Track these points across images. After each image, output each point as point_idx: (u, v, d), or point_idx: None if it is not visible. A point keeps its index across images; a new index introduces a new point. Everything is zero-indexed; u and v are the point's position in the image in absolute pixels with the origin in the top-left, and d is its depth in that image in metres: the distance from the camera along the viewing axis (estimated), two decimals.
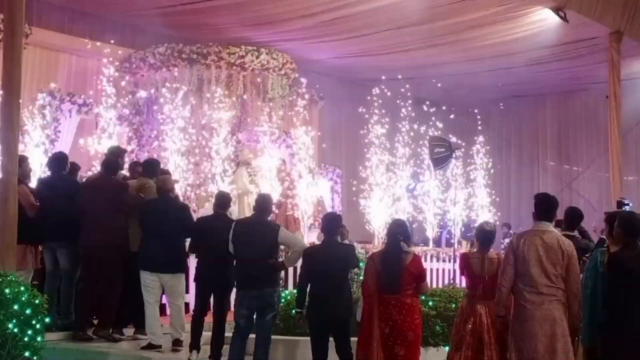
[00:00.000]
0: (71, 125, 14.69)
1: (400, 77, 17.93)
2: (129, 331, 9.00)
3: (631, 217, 7.00)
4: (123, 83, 14.70)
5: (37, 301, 6.29)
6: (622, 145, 17.12)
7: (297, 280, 11.44)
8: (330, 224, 8.12)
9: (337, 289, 7.76)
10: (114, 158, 9.28)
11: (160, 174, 9.60)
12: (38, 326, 6.24)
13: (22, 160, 9.18)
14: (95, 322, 8.85)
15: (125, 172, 10.07)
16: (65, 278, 8.78)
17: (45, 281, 8.83)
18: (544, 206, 7.28)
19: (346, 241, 9.00)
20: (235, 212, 12.65)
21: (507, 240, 14.79)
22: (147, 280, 8.59)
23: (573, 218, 8.80)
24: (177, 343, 8.58)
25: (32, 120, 13.51)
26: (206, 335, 8.79)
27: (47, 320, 6.50)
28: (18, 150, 8.33)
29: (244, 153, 15.13)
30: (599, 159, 20.49)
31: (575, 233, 8.79)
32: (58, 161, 9.24)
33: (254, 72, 15.94)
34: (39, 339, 6.23)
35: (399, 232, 7.72)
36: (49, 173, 9.60)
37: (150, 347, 8.36)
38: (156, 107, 14.96)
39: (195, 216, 10.40)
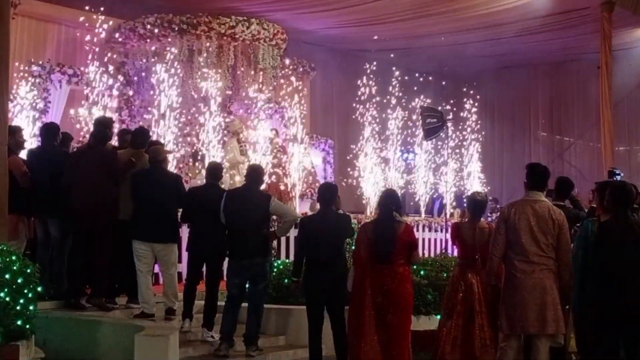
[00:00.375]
0: (61, 96, 14.63)
1: (391, 47, 17.87)
2: (121, 300, 9.01)
3: (622, 187, 7.03)
4: (113, 55, 14.58)
5: (28, 270, 6.28)
6: (613, 115, 17.13)
7: (293, 249, 11.54)
8: (327, 193, 8.13)
9: (333, 258, 7.79)
10: (101, 128, 9.20)
11: (150, 144, 9.57)
12: (30, 295, 6.22)
13: (17, 130, 9.15)
14: (88, 291, 8.85)
15: (115, 142, 10.01)
16: (56, 247, 8.77)
17: (37, 251, 8.81)
18: (536, 176, 7.31)
19: (340, 211, 9.00)
20: (226, 182, 12.66)
21: (495, 215, 14.87)
22: (140, 250, 8.59)
23: (563, 188, 8.82)
24: (170, 312, 8.61)
25: (21, 90, 13.40)
26: (199, 304, 8.83)
27: (39, 289, 6.50)
28: (8, 121, 8.27)
29: (234, 124, 15.08)
30: (591, 129, 20.50)
31: (566, 203, 8.82)
32: (49, 131, 9.18)
33: (244, 42, 15.84)
34: (31, 307, 6.22)
35: (390, 202, 7.74)
36: (39, 144, 9.55)
37: (143, 315, 8.38)
38: (146, 77, 14.90)
39: (186, 187, 10.37)
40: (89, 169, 8.63)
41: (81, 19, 14.17)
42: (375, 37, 18.78)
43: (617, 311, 6.45)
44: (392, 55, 16.82)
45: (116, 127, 11.60)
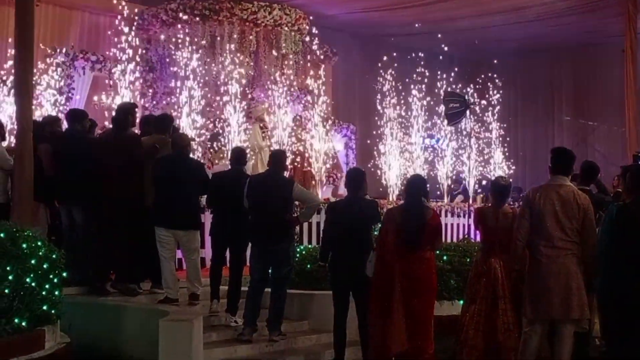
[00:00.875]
0: (85, 82, 14.70)
1: (412, 32, 17.75)
2: (146, 286, 9.06)
3: None
4: (136, 40, 14.61)
5: (54, 256, 6.34)
6: (637, 99, 16.95)
7: (316, 235, 11.56)
8: (355, 179, 8.11)
9: (360, 244, 7.79)
10: (122, 115, 9.23)
11: (174, 131, 9.60)
12: (55, 280, 6.30)
13: (55, 121, 9.29)
14: (112, 277, 8.91)
15: (136, 129, 10.02)
16: (81, 233, 8.82)
17: (63, 237, 8.88)
18: (561, 160, 7.26)
19: (367, 197, 8.99)
20: (249, 167, 12.68)
21: (517, 204, 14.78)
22: (162, 236, 8.62)
23: (589, 172, 8.76)
24: (193, 297, 8.65)
25: (45, 77, 13.49)
26: (222, 289, 8.87)
27: (64, 274, 6.56)
28: (32, 108, 8.34)
29: (257, 109, 15.08)
30: (615, 113, 20.30)
31: (592, 187, 8.76)
32: (75, 117, 9.21)
33: (266, 28, 15.83)
34: (56, 293, 6.30)
35: (419, 188, 7.71)
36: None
37: (167, 300, 8.43)
38: (169, 63, 14.92)
39: (209, 172, 10.40)
40: (113, 156, 8.68)
41: (105, 7, 14.22)
42: (397, 22, 18.70)
43: (637, 295, 6.43)
44: (415, 41, 16.71)
45: (139, 114, 11.64)
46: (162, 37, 15.38)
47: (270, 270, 8.36)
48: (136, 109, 9.81)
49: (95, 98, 13.91)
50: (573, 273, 6.92)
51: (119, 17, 13.80)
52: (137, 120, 9.73)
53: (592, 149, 21.47)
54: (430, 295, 7.57)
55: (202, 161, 11.71)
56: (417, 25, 18.27)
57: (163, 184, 8.62)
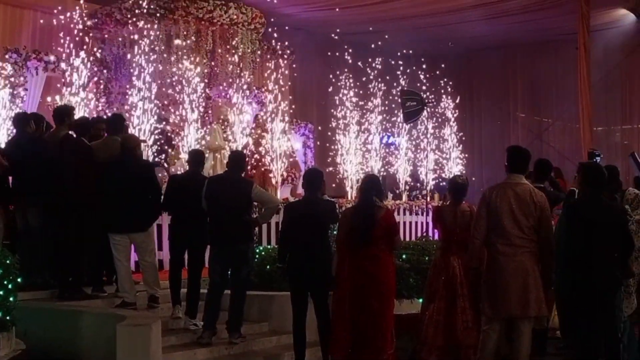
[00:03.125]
0: (37, 83, 14.47)
1: (367, 30, 17.75)
2: (111, 289, 8.96)
3: (593, 168, 7.12)
4: (89, 40, 14.42)
5: (8, 261, 6.23)
6: (591, 96, 17.18)
7: (275, 236, 11.52)
8: (312, 179, 8.10)
9: (317, 244, 7.78)
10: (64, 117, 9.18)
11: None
12: (10, 286, 6.19)
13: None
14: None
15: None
16: (35, 236, 8.67)
17: (18, 240, 8.73)
18: (516, 159, 7.32)
19: (325, 197, 8.98)
20: (207, 169, 12.60)
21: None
22: (116, 240, 8.55)
23: (542, 169, 8.85)
24: (153, 299, 8.56)
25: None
26: (182, 292, 8.78)
27: (19, 280, 6.44)
28: None
29: (221, 110, 14.99)
30: (569, 110, 20.55)
31: (546, 184, 8.84)
32: (20, 121, 9.11)
33: (222, 26, 15.72)
34: (11, 299, 6.19)
35: (371, 187, 7.75)
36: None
37: (124, 305, 8.34)
38: (123, 63, 14.75)
39: (163, 173, 10.32)
40: (67, 157, 8.59)
41: (57, 6, 14.01)
42: (353, 20, 18.71)
43: (586, 293, 6.54)
44: (371, 40, 16.75)
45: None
46: (117, 36, 15.19)
47: (229, 272, 8.31)
48: (73, 110, 9.77)
49: (49, 99, 13.70)
50: (530, 270, 6.98)
51: (72, 16, 13.60)
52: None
53: (547, 146, 21.72)
54: (387, 296, 7.58)
55: (157, 160, 11.61)
56: (372, 24, 18.31)
57: (112, 188, 8.52)
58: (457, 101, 18.57)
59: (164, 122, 14.07)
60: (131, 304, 8.38)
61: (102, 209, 8.59)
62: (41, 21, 15.22)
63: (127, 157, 8.66)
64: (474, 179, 17.37)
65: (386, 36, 18.35)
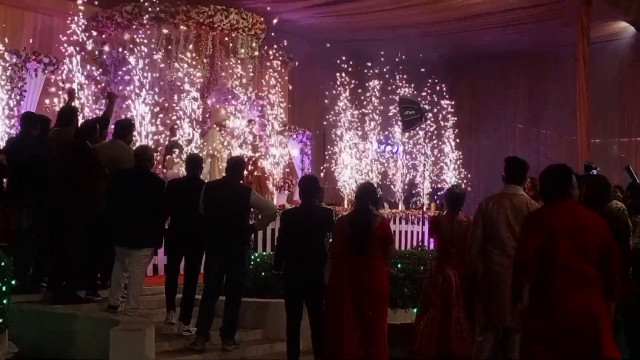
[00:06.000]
0: (37, 85, 14.48)
1: (369, 38, 17.79)
2: (105, 293, 8.92)
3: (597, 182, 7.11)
4: (89, 42, 14.43)
5: (2, 263, 6.22)
6: (589, 108, 17.19)
7: (271, 242, 11.49)
8: (308, 187, 8.07)
9: (314, 252, 7.75)
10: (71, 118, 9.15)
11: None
12: (4, 289, 6.17)
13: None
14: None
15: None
16: (27, 237, 8.62)
17: (13, 242, 8.68)
18: (514, 170, 7.32)
19: (322, 204, 8.95)
20: (204, 173, 12.57)
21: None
22: (116, 249, 8.49)
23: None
24: (112, 308, 8.37)
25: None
26: (176, 298, 8.75)
27: (12, 282, 6.42)
28: None
29: (219, 114, 14.98)
30: (567, 121, 20.57)
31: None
32: (28, 121, 9.04)
33: (223, 32, 15.74)
34: (4, 301, 6.17)
35: (367, 195, 7.74)
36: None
37: (109, 308, 8.30)
38: (123, 66, 14.76)
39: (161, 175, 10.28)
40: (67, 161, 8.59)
41: (58, 8, 14.03)
42: (354, 28, 18.77)
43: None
44: (372, 47, 16.81)
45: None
46: (117, 39, 15.20)
47: (224, 278, 8.29)
48: (77, 111, 9.78)
49: (47, 101, 13.70)
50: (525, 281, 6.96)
51: (73, 18, 13.62)
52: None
53: (544, 157, 21.73)
54: (381, 304, 7.55)
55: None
56: (371, 32, 18.34)
57: (120, 200, 8.41)
58: (456, 111, 18.58)
59: (163, 127, 14.02)
60: (114, 307, 8.31)
61: (107, 218, 8.51)
62: (41, 23, 15.25)
63: (141, 169, 8.53)
64: (469, 189, 17.36)
65: (392, 43, 18.37)
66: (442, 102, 18.21)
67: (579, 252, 5.38)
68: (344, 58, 16.34)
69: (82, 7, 13.87)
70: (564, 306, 5.33)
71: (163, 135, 13.92)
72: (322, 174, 15.64)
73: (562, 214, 5.54)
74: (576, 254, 5.38)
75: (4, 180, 8.77)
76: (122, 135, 9.23)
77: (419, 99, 16.65)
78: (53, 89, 13.46)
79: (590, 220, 5.57)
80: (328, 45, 18.33)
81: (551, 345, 5.35)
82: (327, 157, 16.38)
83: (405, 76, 17.39)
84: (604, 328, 5.33)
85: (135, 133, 12.53)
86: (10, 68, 13.67)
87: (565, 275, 5.37)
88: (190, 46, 15.12)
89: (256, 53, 16.24)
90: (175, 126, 14.10)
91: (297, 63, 18.61)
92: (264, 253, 10.98)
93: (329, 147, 16.22)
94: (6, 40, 13.54)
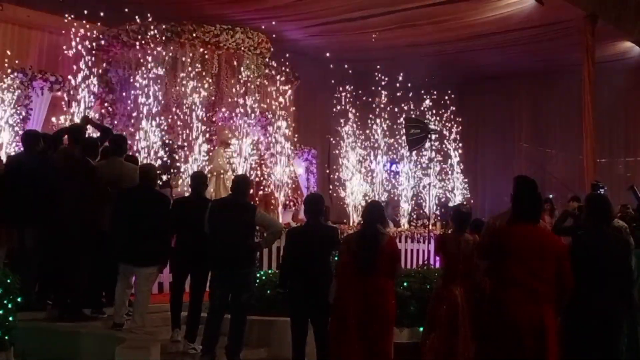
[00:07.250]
0: (43, 103, 14.52)
1: (374, 57, 17.82)
2: (110, 311, 8.89)
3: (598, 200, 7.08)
4: (96, 62, 14.50)
5: (8, 280, 6.20)
6: (595, 128, 17.20)
7: (276, 260, 11.46)
8: (314, 205, 8.05)
9: (319, 270, 7.72)
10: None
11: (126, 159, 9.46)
12: (10, 306, 6.15)
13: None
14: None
15: None
16: (31, 257, 8.59)
17: (16, 261, 8.65)
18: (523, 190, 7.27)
19: (328, 222, 8.92)
20: (210, 192, 12.58)
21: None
22: (120, 267, 8.47)
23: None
24: (117, 326, 8.31)
25: (3, 98, 13.32)
26: (181, 315, 8.73)
27: (18, 300, 6.40)
28: None
29: (224, 133, 14.99)
30: (573, 140, 20.58)
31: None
32: (29, 139, 9.03)
33: (228, 51, 15.80)
34: (10, 318, 6.15)
35: (374, 214, 7.71)
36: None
37: (115, 325, 8.27)
38: (129, 85, 14.81)
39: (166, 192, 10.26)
40: (70, 179, 8.57)
41: (65, 27, 14.09)
42: (359, 47, 18.82)
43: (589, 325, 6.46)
44: (377, 67, 16.87)
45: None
46: (122, 58, 15.26)
47: (230, 296, 8.26)
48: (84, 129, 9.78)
49: (53, 119, 13.75)
50: None
51: (79, 37, 13.69)
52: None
53: (550, 177, 21.71)
54: (387, 324, 7.50)
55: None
56: (376, 52, 18.40)
57: (126, 219, 8.33)
58: (461, 130, 18.60)
59: (167, 145, 14.03)
60: (119, 325, 8.28)
61: (112, 236, 8.48)
62: (48, 42, 15.33)
63: (146, 187, 8.50)
64: (470, 205, 17.36)
65: (396, 62, 18.42)
66: (447, 121, 18.22)
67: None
68: (348, 75, 16.35)
69: (88, 26, 13.97)
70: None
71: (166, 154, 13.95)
72: (328, 193, 15.64)
73: (525, 233, 5.85)
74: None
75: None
76: (119, 153, 9.22)
77: (426, 120, 16.64)
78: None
79: (550, 242, 5.92)
80: (334, 64, 18.40)
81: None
82: (332, 177, 16.38)
83: (411, 97, 17.41)
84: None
85: (140, 151, 12.62)
86: (16, 86, 13.74)
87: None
88: (197, 65, 15.16)
89: (262, 72, 16.27)
90: (176, 146, 14.13)
91: (301, 82, 18.64)
92: (270, 271, 10.96)
93: (334, 166, 16.22)
94: (16, 61, 13.66)
